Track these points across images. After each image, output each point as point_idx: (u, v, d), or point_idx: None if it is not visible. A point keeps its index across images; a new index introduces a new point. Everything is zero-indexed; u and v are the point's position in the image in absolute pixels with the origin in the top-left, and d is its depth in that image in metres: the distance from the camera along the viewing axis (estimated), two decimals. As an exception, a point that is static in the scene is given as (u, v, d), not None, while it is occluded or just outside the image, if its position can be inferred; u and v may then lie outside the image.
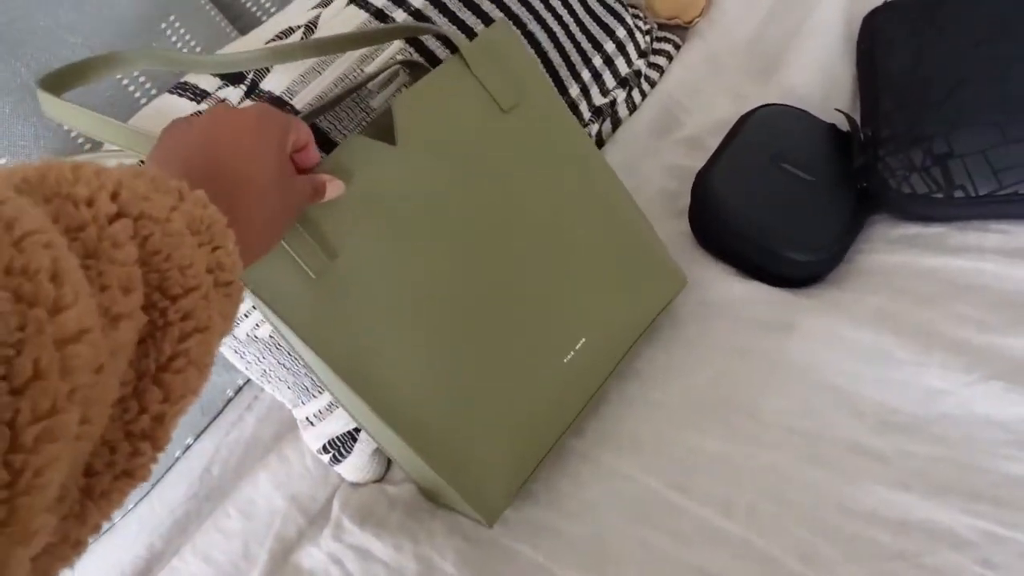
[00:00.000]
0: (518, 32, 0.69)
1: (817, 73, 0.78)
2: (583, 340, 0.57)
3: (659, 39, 0.88)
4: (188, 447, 0.66)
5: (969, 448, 0.49)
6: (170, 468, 0.66)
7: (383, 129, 0.49)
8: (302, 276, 0.45)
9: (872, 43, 0.77)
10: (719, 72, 0.84)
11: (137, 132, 0.44)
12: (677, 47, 0.88)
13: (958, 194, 0.62)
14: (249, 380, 0.69)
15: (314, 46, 0.54)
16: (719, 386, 0.57)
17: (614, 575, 0.50)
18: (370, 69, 0.61)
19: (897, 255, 0.63)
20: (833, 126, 0.72)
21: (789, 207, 0.67)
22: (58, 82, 0.49)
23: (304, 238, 0.44)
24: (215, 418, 0.67)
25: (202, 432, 0.67)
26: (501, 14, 0.69)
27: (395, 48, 0.63)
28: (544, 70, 0.71)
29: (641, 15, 0.88)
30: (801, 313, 0.60)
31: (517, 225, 0.54)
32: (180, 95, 0.57)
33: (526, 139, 0.55)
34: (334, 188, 0.43)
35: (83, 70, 0.51)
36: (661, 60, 0.86)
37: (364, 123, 0.60)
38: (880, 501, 0.48)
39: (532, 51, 0.70)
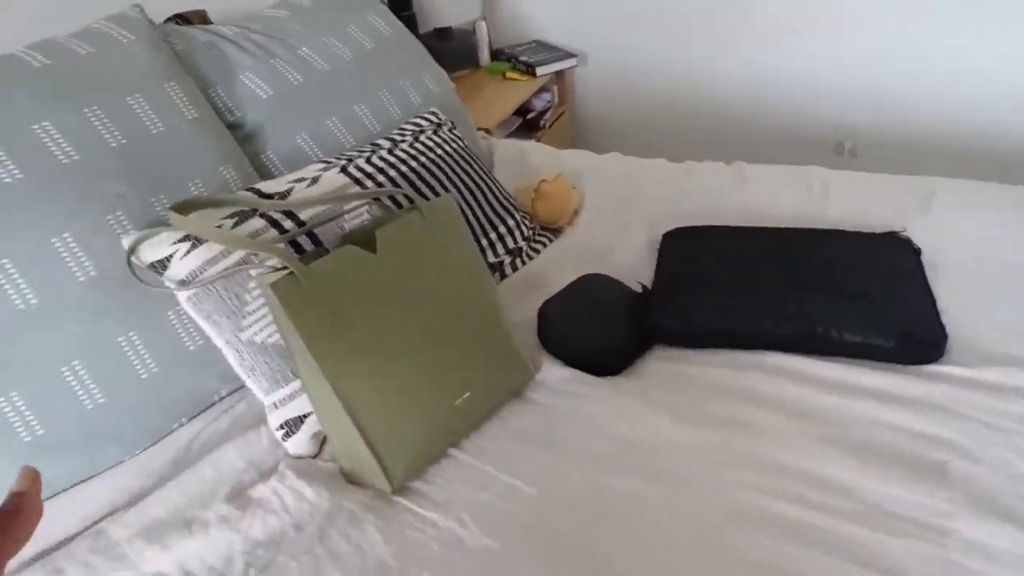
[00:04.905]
0: (456, 203, 1.12)
1: (631, 261, 1.25)
2: (468, 394, 0.92)
3: (540, 234, 1.35)
4: (181, 426, 0.96)
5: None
6: (163, 438, 0.95)
7: (354, 241, 0.88)
8: (327, 322, 0.81)
9: (664, 249, 1.25)
10: (573, 256, 1.30)
11: (229, 234, 0.83)
12: (551, 240, 1.35)
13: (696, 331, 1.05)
14: (232, 392, 1.00)
15: (336, 196, 0.95)
16: (550, 428, 0.93)
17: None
18: (348, 206, 1.03)
19: (654, 363, 1.05)
20: (633, 290, 1.16)
21: (597, 329, 1.08)
22: (181, 207, 0.88)
23: (326, 315, 0.81)
24: (204, 410, 0.98)
25: (192, 419, 0.97)
26: (443, 192, 1.14)
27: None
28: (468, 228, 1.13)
29: (528, 220, 1.35)
30: (598, 388, 0.99)
31: (442, 313, 0.91)
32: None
33: (453, 266, 0.94)
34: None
35: (194, 203, 0.90)
36: (539, 246, 1.32)
37: (339, 235, 0.99)
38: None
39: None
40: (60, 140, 0.89)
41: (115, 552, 0.83)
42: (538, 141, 2.26)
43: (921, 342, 1.00)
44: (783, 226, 1.26)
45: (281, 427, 0.92)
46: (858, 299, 1.05)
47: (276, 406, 0.93)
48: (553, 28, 2.49)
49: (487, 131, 1.88)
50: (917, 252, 1.18)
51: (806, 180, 1.45)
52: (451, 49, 2.28)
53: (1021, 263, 1.15)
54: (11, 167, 0.85)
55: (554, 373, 1.03)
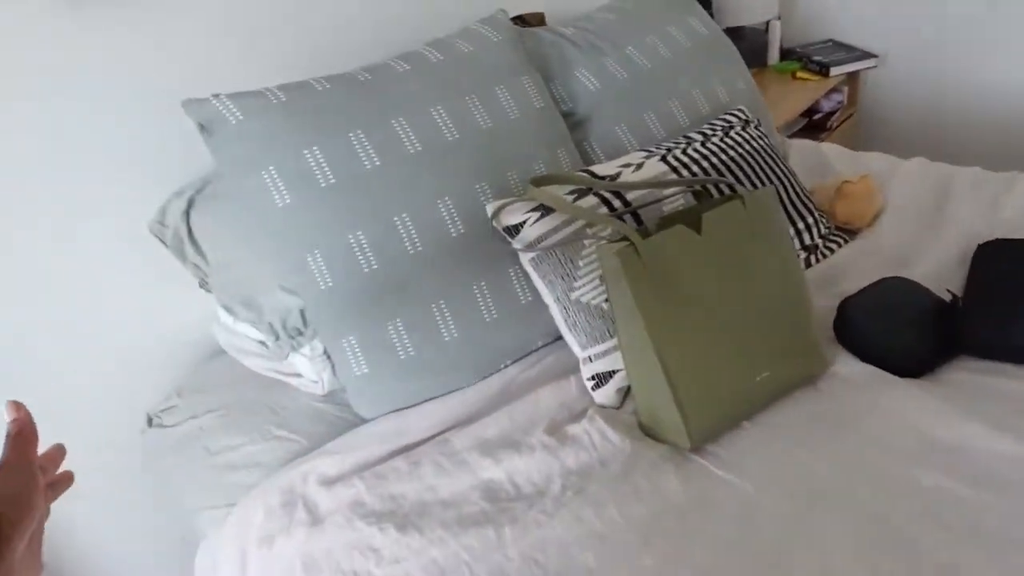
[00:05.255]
0: (775, 194, 1.16)
1: (935, 269, 1.21)
2: (767, 373, 0.99)
3: (835, 233, 1.36)
4: (505, 367, 1.14)
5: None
6: (486, 377, 1.13)
7: (676, 223, 0.98)
8: (655, 292, 0.93)
9: (977, 260, 1.19)
10: (871, 259, 1.29)
11: (580, 208, 0.97)
12: (846, 241, 1.35)
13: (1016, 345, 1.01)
14: (545, 346, 1.17)
15: (663, 181, 1.07)
16: (846, 416, 0.97)
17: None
18: (666, 192, 1.13)
19: (958, 372, 1.02)
20: (940, 298, 1.13)
21: (901, 329, 1.07)
22: (537, 181, 1.05)
23: (654, 285, 0.92)
24: (522, 358, 1.15)
25: (513, 362, 1.15)
26: (749, 183, 1.21)
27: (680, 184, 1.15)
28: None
29: (825, 219, 1.36)
30: (897, 387, 1.00)
31: (754, 295, 0.98)
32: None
33: (768, 254, 1.00)
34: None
35: (548, 178, 1.06)
36: (833, 245, 1.33)
37: (660, 217, 1.10)
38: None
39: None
40: (448, 122, 1.11)
41: (458, 458, 1.02)
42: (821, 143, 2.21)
43: None
44: None
45: (592, 378, 1.06)
46: None
47: (590, 359, 1.06)
48: (851, 27, 2.40)
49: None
50: None
51: None
52: (741, 48, 2.29)
53: None
54: (415, 140, 1.08)
55: (849, 367, 1.05)
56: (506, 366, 1.15)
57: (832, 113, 2.27)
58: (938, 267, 1.23)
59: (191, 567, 1.11)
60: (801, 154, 1.62)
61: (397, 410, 1.10)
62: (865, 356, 1.07)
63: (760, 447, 0.95)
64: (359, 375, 1.08)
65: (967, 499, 0.83)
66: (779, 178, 1.29)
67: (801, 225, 1.29)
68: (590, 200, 1.09)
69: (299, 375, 1.20)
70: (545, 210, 1.06)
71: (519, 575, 0.84)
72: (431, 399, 1.11)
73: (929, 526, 0.81)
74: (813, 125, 2.26)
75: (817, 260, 1.30)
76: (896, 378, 1.02)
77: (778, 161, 1.33)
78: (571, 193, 1.09)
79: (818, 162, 1.59)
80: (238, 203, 1.10)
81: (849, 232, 1.38)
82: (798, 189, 1.33)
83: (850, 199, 1.34)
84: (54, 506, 0.60)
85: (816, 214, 1.33)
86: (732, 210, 0.99)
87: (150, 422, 1.28)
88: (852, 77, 2.34)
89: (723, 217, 0.98)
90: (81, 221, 1.18)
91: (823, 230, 1.33)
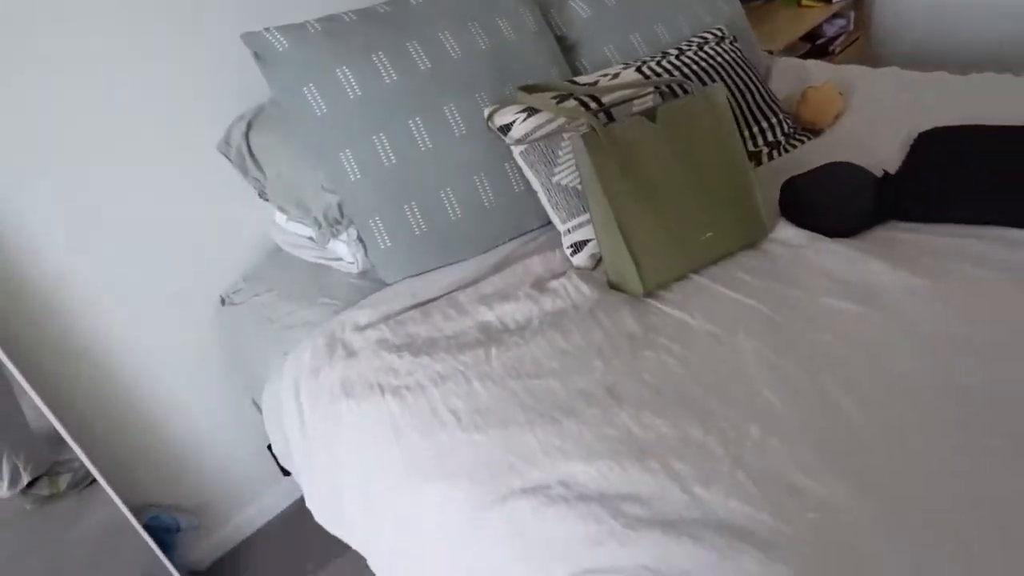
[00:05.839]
0: (724, 89, 1.36)
1: (882, 157, 1.39)
2: (711, 233, 1.20)
3: (801, 132, 1.54)
4: (504, 243, 1.39)
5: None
6: (487, 251, 1.38)
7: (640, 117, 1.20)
8: (614, 168, 1.15)
9: (916, 144, 1.37)
10: (827, 152, 1.47)
11: (560, 108, 1.20)
12: (809, 139, 1.53)
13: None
14: (539, 228, 1.41)
15: (629, 84, 1.28)
16: (779, 268, 1.18)
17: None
18: (637, 94, 1.34)
19: (883, 232, 1.22)
20: (875, 175, 1.31)
21: (835, 197, 1.27)
22: (526, 88, 1.27)
23: (614, 162, 1.15)
24: (518, 236, 1.40)
25: (511, 240, 1.39)
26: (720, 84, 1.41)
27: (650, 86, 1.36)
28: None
29: (789, 120, 1.55)
30: (828, 244, 1.20)
31: (701, 169, 1.19)
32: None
33: (715, 138, 1.21)
34: None
35: (535, 87, 1.29)
36: (796, 143, 1.52)
37: (631, 114, 1.32)
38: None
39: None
40: (454, 44, 1.35)
41: (461, 308, 1.28)
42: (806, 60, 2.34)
43: None
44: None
45: (571, 246, 1.30)
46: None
47: (569, 231, 1.30)
48: (860, -45, 2.49)
49: (769, 52, 2.05)
50: None
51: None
52: (750, -20, 2.44)
53: None
54: (425, 60, 1.33)
55: (788, 232, 1.26)
56: (503, 243, 1.40)
57: (835, 38, 2.39)
58: (884, 156, 1.41)
59: (256, 418, 1.42)
60: (784, 68, 1.79)
61: (414, 275, 1.37)
62: (802, 223, 1.27)
63: (702, 291, 1.18)
64: (383, 248, 1.35)
65: (863, 315, 1.03)
66: (745, 83, 1.48)
67: (765, 124, 1.48)
68: (571, 103, 1.31)
69: (339, 259, 1.48)
70: (531, 111, 1.29)
71: (500, 378, 1.10)
72: (441, 267, 1.37)
73: (827, 336, 1.01)
74: (816, 50, 2.39)
75: (779, 155, 1.49)
76: (827, 239, 1.23)
77: (748, 71, 1.52)
78: (554, 98, 1.32)
79: (800, 75, 1.76)
80: (287, 117, 1.37)
81: (813, 132, 1.56)
82: (764, 93, 1.51)
83: (812, 102, 1.52)
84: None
85: (780, 115, 1.52)
86: (685, 103, 1.20)
87: (223, 301, 1.59)
88: (859, 3, 2.45)
89: (676, 109, 1.20)
90: (171, 142, 1.47)
91: (787, 129, 1.52)
